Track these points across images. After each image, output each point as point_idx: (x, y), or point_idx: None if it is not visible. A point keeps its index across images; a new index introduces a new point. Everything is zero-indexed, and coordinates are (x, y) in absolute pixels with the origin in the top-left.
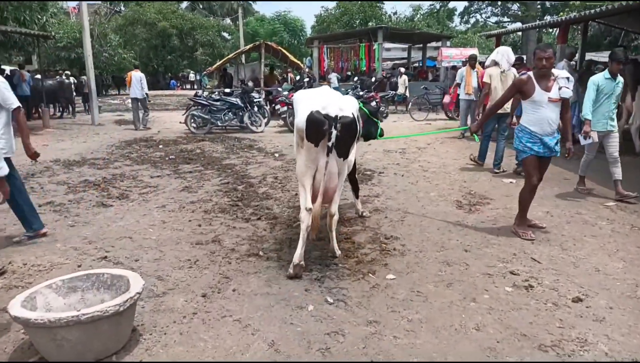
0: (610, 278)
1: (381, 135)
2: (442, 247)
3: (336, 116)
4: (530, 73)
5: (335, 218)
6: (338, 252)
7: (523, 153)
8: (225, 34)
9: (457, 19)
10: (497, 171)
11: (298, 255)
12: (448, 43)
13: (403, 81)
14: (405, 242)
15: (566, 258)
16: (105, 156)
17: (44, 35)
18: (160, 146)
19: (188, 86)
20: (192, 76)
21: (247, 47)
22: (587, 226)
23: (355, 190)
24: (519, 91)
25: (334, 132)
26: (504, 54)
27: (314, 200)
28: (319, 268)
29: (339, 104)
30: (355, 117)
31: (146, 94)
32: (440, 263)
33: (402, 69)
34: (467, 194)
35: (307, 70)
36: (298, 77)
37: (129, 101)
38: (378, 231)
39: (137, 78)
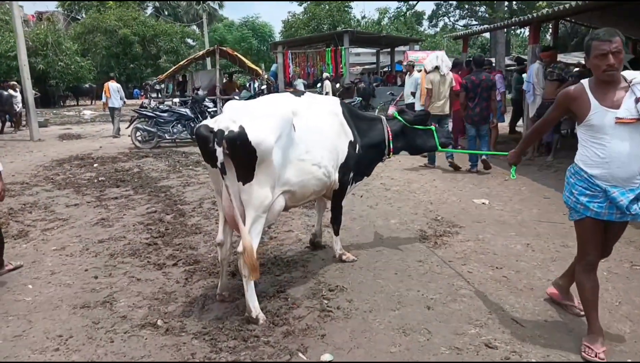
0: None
1: (444, 146)
2: (398, 303)
3: (220, 131)
4: (584, 81)
5: (249, 260)
6: (255, 314)
7: (575, 213)
8: (190, 41)
9: (425, 23)
10: (473, 170)
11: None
12: (417, 47)
13: (324, 86)
14: (353, 296)
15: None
16: (27, 180)
17: None
18: (95, 166)
19: (154, 95)
20: (157, 85)
21: (200, 52)
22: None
23: (334, 223)
24: (568, 111)
25: (218, 149)
26: (443, 59)
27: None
28: (230, 346)
29: (238, 115)
30: (257, 129)
31: (123, 102)
32: (394, 330)
33: (326, 74)
34: (433, 220)
35: (265, 76)
36: (257, 84)
37: (87, 113)
38: (322, 277)
39: (114, 88)
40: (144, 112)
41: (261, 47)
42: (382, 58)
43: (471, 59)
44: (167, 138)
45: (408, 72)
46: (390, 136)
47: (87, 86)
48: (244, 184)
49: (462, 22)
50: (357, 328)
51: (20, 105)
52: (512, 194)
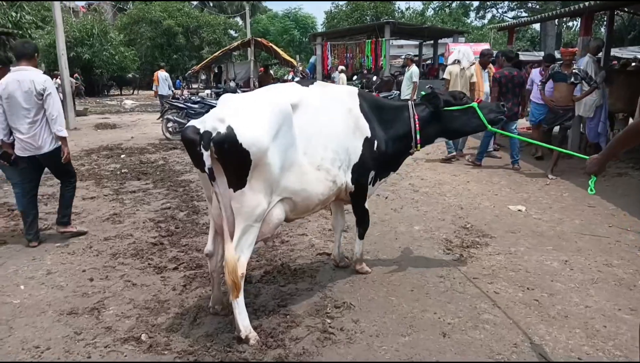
0: None
1: (494, 122)
2: (410, 327)
3: (207, 133)
4: None
5: (231, 277)
6: (246, 334)
7: None
8: (233, 32)
9: (472, 15)
10: (518, 167)
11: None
12: (461, 39)
13: (339, 79)
14: (360, 316)
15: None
16: None
17: (7, 32)
18: (122, 156)
19: (195, 86)
20: (203, 75)
21: (235, 43)
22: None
23: (359, 225)
24: None
25: (205, 154)
26: (465, 53)
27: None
28: None
29: (228, 113)
30: (248, 129)
31: (172, 91)
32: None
33: (341, 67)
34: (462, 228)
35: (300, 68)
36: (291, 76)
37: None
38: (329, 291)
39: (162, 77)
40: (175, 103)
41: (303, 39)
42: (424, 50)
43: (501, 53)
44: None
45: (407, 66)
46: (418, 125)
47: (130, 75)
48: (234, 191)
49: (511, 14)
50: (359, 355)
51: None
52: (552, 202)
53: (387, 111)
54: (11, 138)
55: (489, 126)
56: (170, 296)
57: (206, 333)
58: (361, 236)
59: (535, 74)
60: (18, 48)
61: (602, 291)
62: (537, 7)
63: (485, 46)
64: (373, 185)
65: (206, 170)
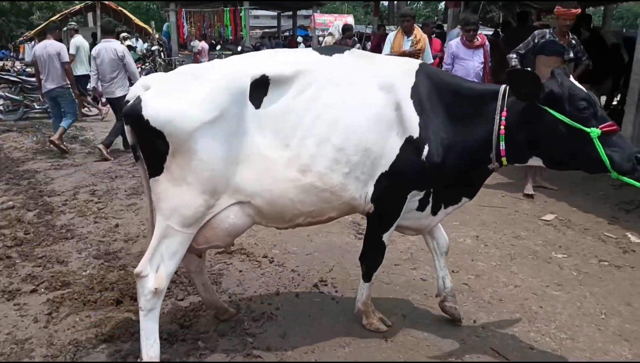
0: None
1: (624, 171)
2: (347, 334)
3: (126, 101)
4: None
5: (146, 284)
6: None
7: None
8: None
9: None
10: None
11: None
12: (318, 11)
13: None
14: (286, 327)
15: None
16: None
17: None
18: None
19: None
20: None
21: (77, 6)
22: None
23: (363, 260)
24: None
25: (126, 127)
26: (337, 27)
27: None
28: None
29: (152, 81)
30: (161, 103)
31: None
32: None
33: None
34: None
35: (156, 36)
36: (145, 45)
37: None
38: (241, 301)
39: None
40: (6, 76)
41: (151, 6)
42: (283, 22)
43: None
44: (37, 107)
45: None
46: (503, 128)
47: None
48: (150, 178)
49: None
50: None
51: None
52: None
53: (463, 99)
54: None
55: (614, 172)
56: (33, 332)
57: None
58: (366, 278)
59: (456, 46)
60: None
61: (523, 267)
62: None
63: (349, 17)
64: (435, 213)
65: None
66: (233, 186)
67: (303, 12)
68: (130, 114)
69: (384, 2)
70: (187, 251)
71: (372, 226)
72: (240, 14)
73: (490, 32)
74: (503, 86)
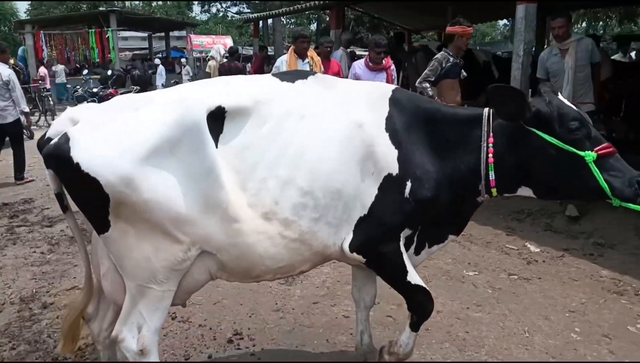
0: None
1: (627, 198)
2: None
3: (47, 140)
4: None
5: (128, 347)
6: None
7: None
8: None
9: (197, 8)
10: None
11: None
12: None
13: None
14: None
15: None
16: None
17: None
18: None
19: None
20: None
21: None
22: None
23: (412, 310)
24: None
25: (48, 171)
26: (218, 50)
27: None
28: None
29: (81, 114)
30: (95, 145)
31: None
32: None
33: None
34: None
35: (11, 62)
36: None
37: None
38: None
39: None
40: None
41: (1, 28)
42: (155, 43)
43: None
44: None
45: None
46: (492, 155)
47: None
48: (99, 235)
49: (234, 9)
50: None
51: None
52: None
53: (445, 126)
54: None
55: (614, 199)
56: None
57: None
58: (414, 327)
59: (359, 67)
60: None
61: (440, 290)
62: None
63: (228, 39)
64: (418, 253)
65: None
66: (198, 235)
67: (175, 33)
68: (53, 156)
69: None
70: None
71: (385, 277)
72: (107, 36)
73: (365, 53)
74: (486, 109)
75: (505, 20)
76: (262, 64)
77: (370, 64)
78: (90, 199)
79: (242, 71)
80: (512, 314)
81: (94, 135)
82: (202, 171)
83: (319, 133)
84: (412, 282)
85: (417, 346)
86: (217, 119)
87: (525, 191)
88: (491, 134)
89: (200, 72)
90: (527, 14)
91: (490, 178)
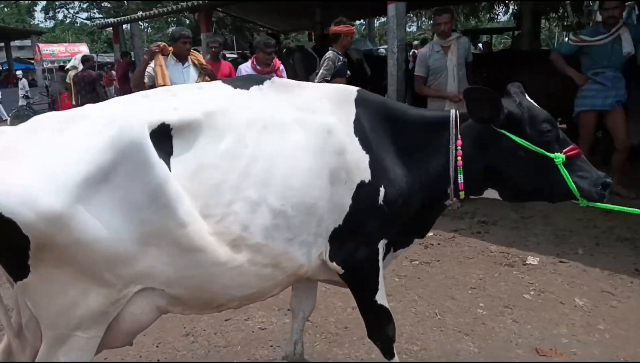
0: None
1: (592, 198)
2: None
3: None
4: None
5: None
6: None
7: None
8: None
9: (40, 15)
10: None
11: None
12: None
13: None
14: None
15: None
16: None
17: None
18: None
19: None
20: None
21: None
22: None
23: (373, 335)
24: None
25: None
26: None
27: None
28: None
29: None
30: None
31: None
32: None
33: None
34: None
35: None
36: None
37: None
38: None
39: None
40: None
41: None
42: None
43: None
44: None
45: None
46: (460, 158)
47: None
48: (15, 282)
49: (84, 15)
50: None
51: None
52: None
53: (413, 129)
54: None
55: (582, 199)
56: None
57: None
58: (388, 355)
59: (246, 70)
60: None
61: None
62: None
63: (83, 46)
64: (383, 259)
65: None
66: (140, 273)
67: (17, 42)
68: None
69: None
70: None
71: (356, 291)
72: None
73: (235, 56)
74: (452, 111)
75: (361, 20)
76: (127, 71)
77: (258, 66)
78: (5, 242)
79: (96, 80)
80: (422, 299)
81: (8, 165)
82: (144, 200)
83: (287, 144)
84: (380, 302)
85: (339, 345)
86: (162, 138)
87: (491, 194)
88: (459, 136)
89: (53, 84)
90: (397, 12)
91: (460, 181)
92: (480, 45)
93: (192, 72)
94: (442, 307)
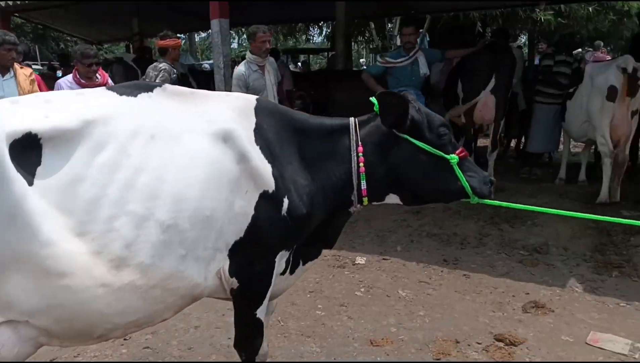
0: None
1: (483, 195)
2: None
3: None
4: None
5: None
6: None
7: None
8: None
9: None
10: None
11: None
12: None
13: None
14: None
15: None
16: None
17: None
18: None
19: None
20: None
21: None
22: None
23: (242, 346)
24: None
25: None
26: None
27: None
28: None
29: None
30: None
31: None
32: None
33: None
34: None
35: None
36: None
37: None
38: None
39: None
40: None
41: None
42: None
43: None
44: None
45: None
46: (362, 165)
47: None
48: None
49: None
50: None
51: None
52: None
53: (314, 137)
54: None
55: (474, 197)
56: None
57: None
58: None
59: (67, 85)
60: None
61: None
62: None
63: None
64: (292, 272)
65: None
66: None
67: None
68: None
69: None
70: None
71: (241, 303)
72: None
73: (40, 67)
74: (352, 119)
75: (182, 35)
76: None
77: (82, 80)
78: None
79: None
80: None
81: None
82: (3, 217)
83: (178, 154)
84: (259, 316)
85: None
86: (28, 149)
87: (392, 199)
88: (359, 143)
89: None
90: (221, 28)
91: (362, 187)
92: (299, 64)
93: (13, 87)
94: (284, 314)
